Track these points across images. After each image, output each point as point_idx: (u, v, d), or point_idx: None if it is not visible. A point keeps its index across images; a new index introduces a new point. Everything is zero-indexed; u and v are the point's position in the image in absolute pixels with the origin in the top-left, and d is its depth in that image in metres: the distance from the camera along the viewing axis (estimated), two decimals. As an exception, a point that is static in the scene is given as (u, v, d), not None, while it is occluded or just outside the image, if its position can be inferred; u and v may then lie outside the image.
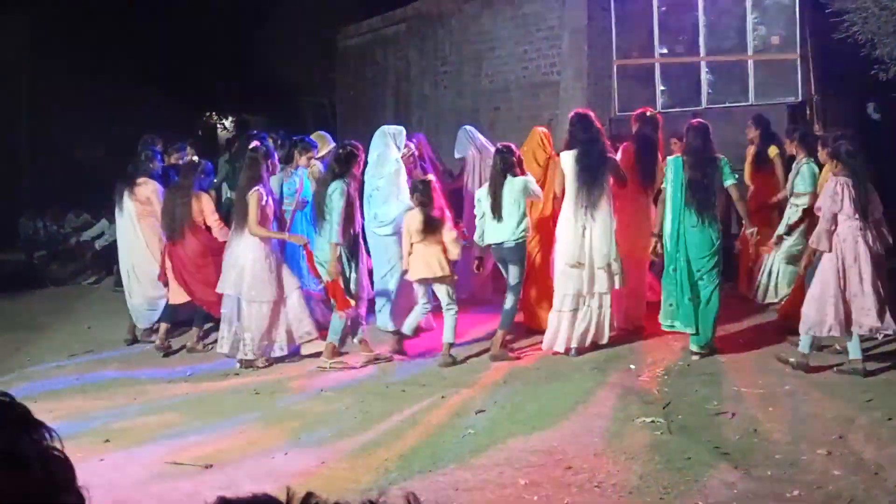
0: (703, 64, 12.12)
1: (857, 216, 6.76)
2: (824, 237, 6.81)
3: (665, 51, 12.63)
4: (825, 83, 11.39)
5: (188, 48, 20.89)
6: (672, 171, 7.67)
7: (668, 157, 7.92)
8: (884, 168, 8.45)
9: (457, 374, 7.50)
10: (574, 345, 7.81)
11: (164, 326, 8.84)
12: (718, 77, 11.80)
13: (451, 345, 7.84)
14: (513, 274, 7.89)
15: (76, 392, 7.61)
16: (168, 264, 8.71)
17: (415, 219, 7.79)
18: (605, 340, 7.90)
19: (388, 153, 8.70)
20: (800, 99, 11.28)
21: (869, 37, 9.31)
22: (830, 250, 6.80)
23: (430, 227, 7.75)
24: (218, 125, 26.86)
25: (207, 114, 26.36)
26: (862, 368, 6.82)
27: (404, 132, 9.06)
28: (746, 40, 11.62)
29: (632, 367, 7.45)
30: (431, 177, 8.34)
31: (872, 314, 6.71)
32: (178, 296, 8.71)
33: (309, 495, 1.24)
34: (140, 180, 9.06)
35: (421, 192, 7.82)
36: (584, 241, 7.70)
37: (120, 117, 18.67)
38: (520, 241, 7.84)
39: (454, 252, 7.80)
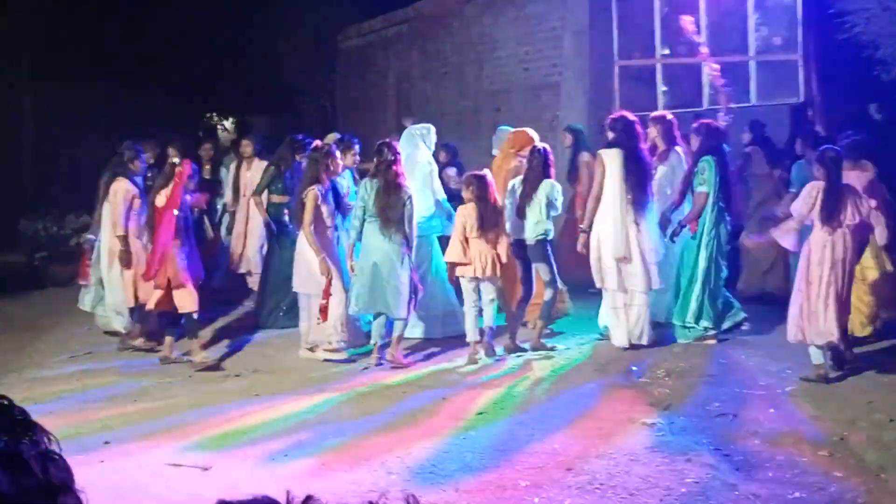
0: (704, 65, 12.11)
1: (825, 224, 6.73)
2: (788, 234, 7.04)
3: (667, 52, 12.62)
4: (827, 84, 11.38)
5: (189, 49, 20.88)
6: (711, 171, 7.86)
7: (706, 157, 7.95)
8: (886, 170, 8.45)
9: (457, 376, 7.49)
10: (635, 340, 7.95)
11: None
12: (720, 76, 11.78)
13: (488, 330, 7.87)
14: (542, 271, 7.96)
15: (76, 394, 7.59)
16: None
17: (470, 214, 7.70)
18: (646, 341, 7.95)
19: (417, 154, 8.63)
20: (801, 100, 11.28)
21: (871, 38, 9.32)
22: (792, 249, 7.11)
23: (488, 223, 7.69)
24: (219, 126, 26.85)
25: (208, 115, 26.35)
26: (825, 375, 6.74)
27: (433, 130, 8.96)
28: (748, 41, 11.61)
29: (633, 368, 7.44)
30: (486, 171, 8.16)
31: (832, 327, 6.64)
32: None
33: (309, 498, 1.24)
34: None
35: (476, 187, 7.74)
36: (632, 237, 7.86)
37: (121, 119, 18.67)
38: (540, 238, 7.90)
39: (504, 255, 7.78)
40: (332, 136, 10.15)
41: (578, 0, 13.39)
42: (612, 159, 7.94)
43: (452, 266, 8.00)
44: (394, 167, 7.70)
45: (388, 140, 8.04)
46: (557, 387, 7.04)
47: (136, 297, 8.59)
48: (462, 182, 8.07)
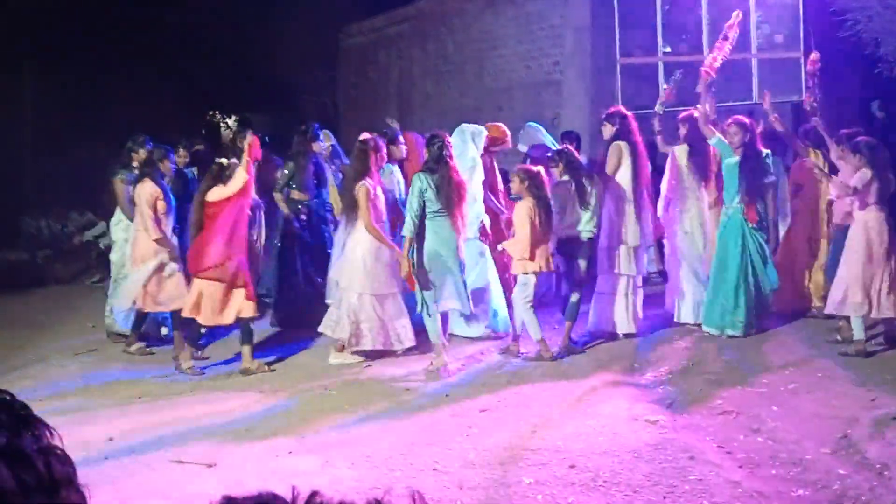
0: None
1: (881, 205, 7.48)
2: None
3: (668, 49, 12.61)
4: (829, 82, 11.37)
5: (190, 47, 20.88)
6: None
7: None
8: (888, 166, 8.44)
9: (460, 373, 7.49)
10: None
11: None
12: (722, 75, 11.76)
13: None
14: (582, 268, 8.02)
15: (80, 391, 7.60)
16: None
17: (532, 210, 7.61)
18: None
19: (467, 150, 8.57)
20: (803, 97, 11.27)
21: (873, 35, 9.31)
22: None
23: (548, 219, 7.66)
24: (221, 124, 26.86)
25: (210, 113, 26.36)
26: (864, 349, 7.30)
27: (485, 133, 8.84)
28: (750, 38, 11.60)
29: (636, 365, 7.45)
30: (541, 168, 8.09)
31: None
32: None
33: (314, 494, 1.24)
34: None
35: (532, 183, 7.64)
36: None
37: (123, 116, 18.67)
38: (592, 233, 8.00)
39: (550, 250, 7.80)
40: (326, 135, 10.17)
41: (579, -3, 13.39)
42: (682, 156, 8.65)
43: (521, 263, 7.74)
44: (448, 160, 7.58)
45: (438, 133, 7.88)
46: (560, 384, 7.04)
47: (135, 301, 8.38)
48: (514, 176, 7.91)
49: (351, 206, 7.91)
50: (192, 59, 21.08)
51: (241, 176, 7.66)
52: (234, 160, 7.98)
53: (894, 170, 7.77)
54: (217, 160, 8.03)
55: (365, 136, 8.24)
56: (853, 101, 12.12)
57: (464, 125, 8.94)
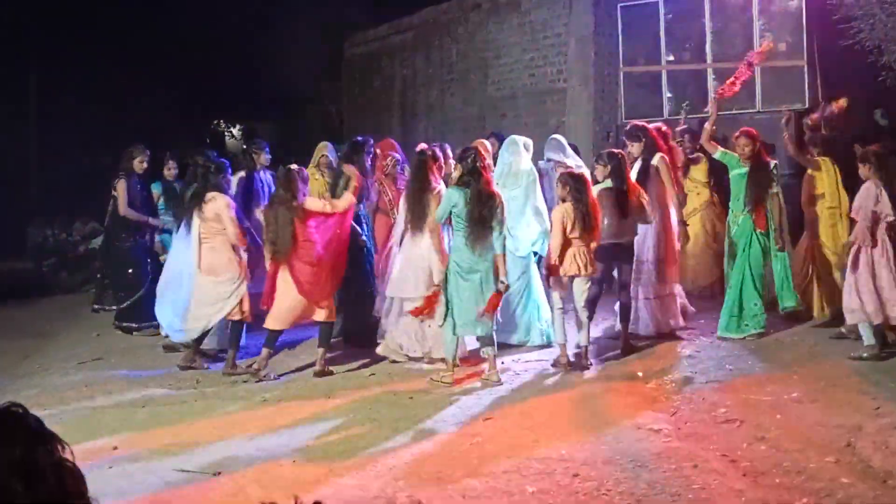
0: (709, 71, 12.13)
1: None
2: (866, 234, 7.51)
3: (672, 58, 12.64)
4: (832, 89, 11.39)
5: (195, 56, 20.96)
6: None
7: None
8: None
9: (464, 382, 7.49)
10: None
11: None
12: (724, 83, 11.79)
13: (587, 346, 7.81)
14: (627, 271, 8.15)
15: (85, 400, 7.62)
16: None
17: (569, 213, 7.54)
18: None
19: (520, 162, 8.55)
20: (807, 105, 11.29)
21: (876, 43, 9.32)
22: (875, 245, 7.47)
23: (589, 223, 7.56)
24: (226, 133, 26.93)
25: (215, 122, 26.42)
26: (878, 353, 7.43)
27: (531, 144, 8.86)
28: (753, 47, 11.62)
29: (639, 374, 7.45)
30: (584, 171, 8.09)
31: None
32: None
33: (317, 503, 1.25)
34: (209, 196, 8.16)
35: (574, 187, 7.56)
36: None
37: (128, 125, 18.73)
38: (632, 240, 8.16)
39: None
40: (324, 146, 10.21)
41: (583, 6, 13.43)
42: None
43: (552, 267, 7.65)
44: (484, 174, 7.40)
45: (472, 146, 7.80)
46: (564, 392, 7.05)
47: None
48: (559, 181, 7.82)
49: (420, 217, 7.86)
50: (198, 68, 21.16)
51: (348, 198, 8.11)
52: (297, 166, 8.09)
53: None
54: (288, 165, 8.08)
55: (422, 146, 8.27)
56: (857, 108, 12.12)
57: (514, 136, 8.92)
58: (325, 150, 10.26)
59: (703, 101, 12.04)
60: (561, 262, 7.56)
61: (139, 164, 9.97)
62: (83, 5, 19.46)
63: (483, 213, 7.25)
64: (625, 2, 12.90)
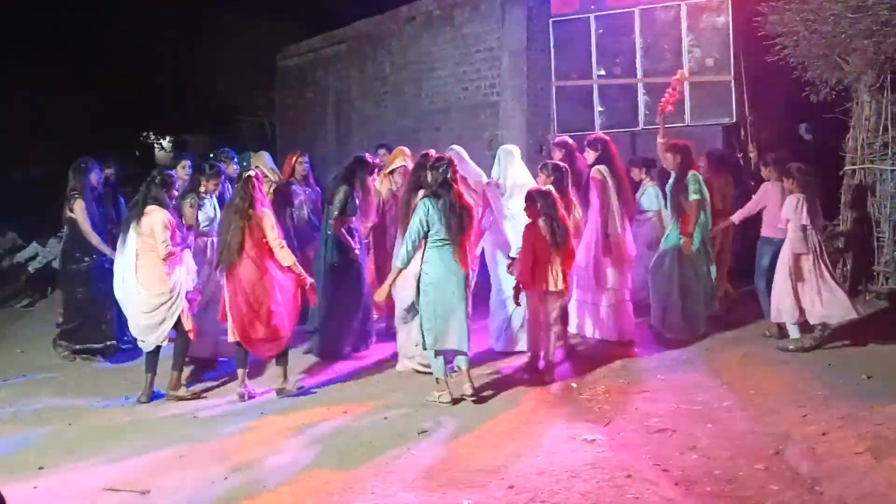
0: (640, 85, 12.32)
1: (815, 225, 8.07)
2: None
3: (603, 72, 12.81)
4: (758, 104, 11.65)
5: (126, 67, 20.63)
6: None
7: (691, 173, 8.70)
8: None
9: (399, 395, 7.47)
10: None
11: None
12: (655, 98, 11.95)
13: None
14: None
15: (8, 417, 7.42)
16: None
17: (538, 232, 7.52)
18: None
19: (513, 171, 8.55)
20: (734, 120, 11.53)
21: (800, 59, 9.56)
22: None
23: (560, 240, 7.48)
24: (155, 145, 26.53)
25: (145, 133, 26.02)
26: (803, 346, 8.05)
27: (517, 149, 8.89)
28: (682, 62, 11.84)
29: (573, 385, 7.50)
30: (550, 187, 7.88)
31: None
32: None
33: None
34: (148, 208, 7.89)
35: (544, 203, 7.51)
36: None
37: (56, 137, 18.35)
38: None
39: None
40: (260, 155, 10.14)
41: (516, 21, 13.54)
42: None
43: (523, 283, 7.56)
44: (453, 183, 7.20)
45: (443, 155, 7.55)
46: (499, 404, 7.06)
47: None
48: (526, 198, 7.69)
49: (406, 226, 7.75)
50: (128, 80, 20.83)
51: (290, 258, 7.74)
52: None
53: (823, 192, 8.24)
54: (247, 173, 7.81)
55: (429, 152, 7.95)
56: (782, 123, 12.41)
57: (504, 146, 8.95)
58: (263, 160, 10.23)
59: (633, 115, 12.24)
60: (534, 277, 7.53)
61: (94, 179, 9.47)
62: (9, 15, 19.04)
63: (454, 224, 7.10)
64: (556, 17, 13.04)
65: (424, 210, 7.11)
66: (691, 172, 8.64)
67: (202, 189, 8.67)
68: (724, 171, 9.76)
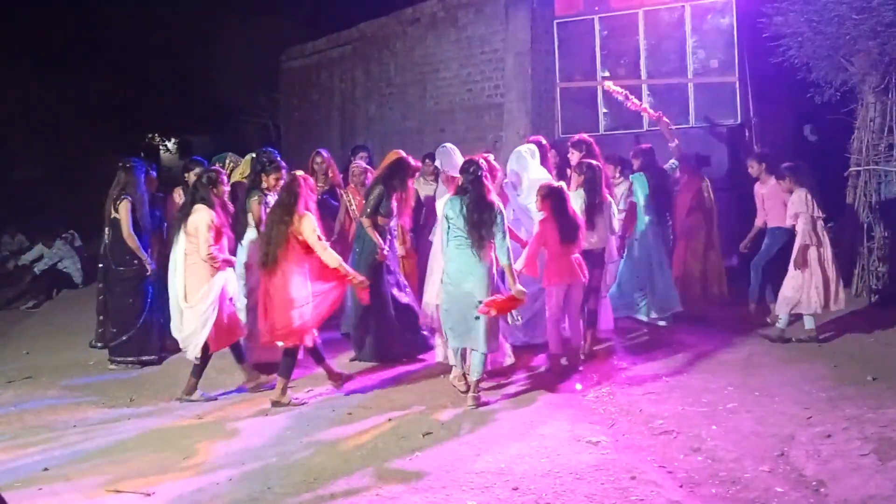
0: (644, 87, 12.31)
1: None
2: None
3: (607, 74, 12.80)
4: (763, 106, 11.64)
5: (130, 70, 20.68)
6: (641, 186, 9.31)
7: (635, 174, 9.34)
8: (820, 187, 8.71)
9: (403, 398, 7.46)
10: None
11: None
12: (659, 100, 11.99)
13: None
14: (596, 277, 8.39)
15: (14, 418, 7.43)
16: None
17: (549, 228, 7.60)
18: None
19: (531, 171, 8.56)
20: (739, 121, 11.51)
21: (805, 60, 9.56)
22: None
23: (569, 237, 7.63)
24: (160, 147, 26.59)
25: (150, 136, 26.07)
26: (816, 336, 8.54)
27: (535, 148, 8.87)
28: (686, 64, 11.83)
29: (577, 386, 7.50)
30: (562, 184, 8.05)
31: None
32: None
33: None
34: (195, 207, 7.76)
35: (555, 200, 7.59)
36: None
37: (60, 139, 18.39)
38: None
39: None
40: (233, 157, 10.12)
41: (520, 22, 13.54)
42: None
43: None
44: (483, 181, 7.14)
45: (473, 157, 7.44)
46: (503, 405, 7.05)
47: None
48: (538, 194, 7.74)
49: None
50: (133, 82, 20.87)
51: (334, 259, 7.58)
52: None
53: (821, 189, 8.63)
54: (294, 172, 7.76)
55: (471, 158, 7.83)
56: (786, 125, 12.41)
57: (517, 148, 8.99)
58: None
59: (637, 116, 12.23)
60: (549, 272, 7.66)
61: (142, 179, 9.08)
62: (17, 17, 19.10)
63: (476, 220, 7.04)
64: (561, 18, 13.04)
65: (449, 208, 7.18)
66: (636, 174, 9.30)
67: (264, 185, 8.52)
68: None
